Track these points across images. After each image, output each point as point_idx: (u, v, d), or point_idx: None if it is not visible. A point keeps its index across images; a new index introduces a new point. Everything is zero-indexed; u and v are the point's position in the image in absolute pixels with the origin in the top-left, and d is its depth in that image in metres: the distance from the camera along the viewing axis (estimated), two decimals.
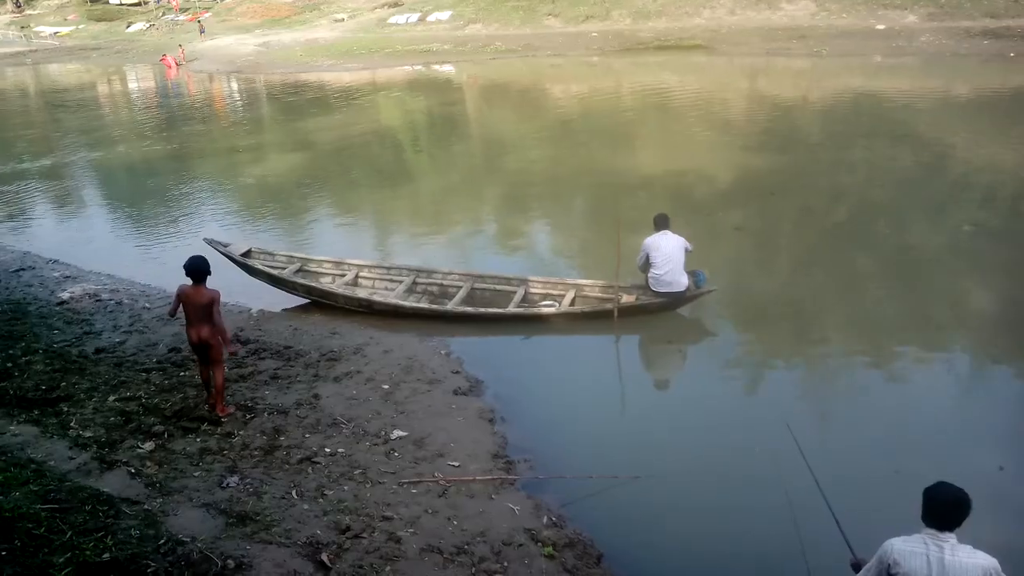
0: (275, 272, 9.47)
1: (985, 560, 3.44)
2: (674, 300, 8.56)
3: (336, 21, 39.47)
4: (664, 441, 6.47)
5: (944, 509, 3.48)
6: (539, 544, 5.05)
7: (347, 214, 13.39)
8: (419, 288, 9.57)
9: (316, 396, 6.96)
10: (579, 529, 5.29)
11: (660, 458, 6.15)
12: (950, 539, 3.47)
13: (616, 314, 8.34)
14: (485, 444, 6.29)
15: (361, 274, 9.80)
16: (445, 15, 36.66)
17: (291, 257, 9.98)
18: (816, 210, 12.01)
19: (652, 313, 8.59)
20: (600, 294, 8.93)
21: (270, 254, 9.98)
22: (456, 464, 5.97)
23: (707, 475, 5.91)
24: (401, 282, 9.52)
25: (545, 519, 5.34)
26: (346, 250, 10.62)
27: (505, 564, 4.81)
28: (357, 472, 5.79)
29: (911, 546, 3.52)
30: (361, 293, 9.42)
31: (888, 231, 10.89)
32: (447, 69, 29.19)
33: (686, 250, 8.34)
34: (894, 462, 5.87)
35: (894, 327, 8.24)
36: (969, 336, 8.11)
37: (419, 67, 29.67)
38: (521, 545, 5.02)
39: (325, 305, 9.22)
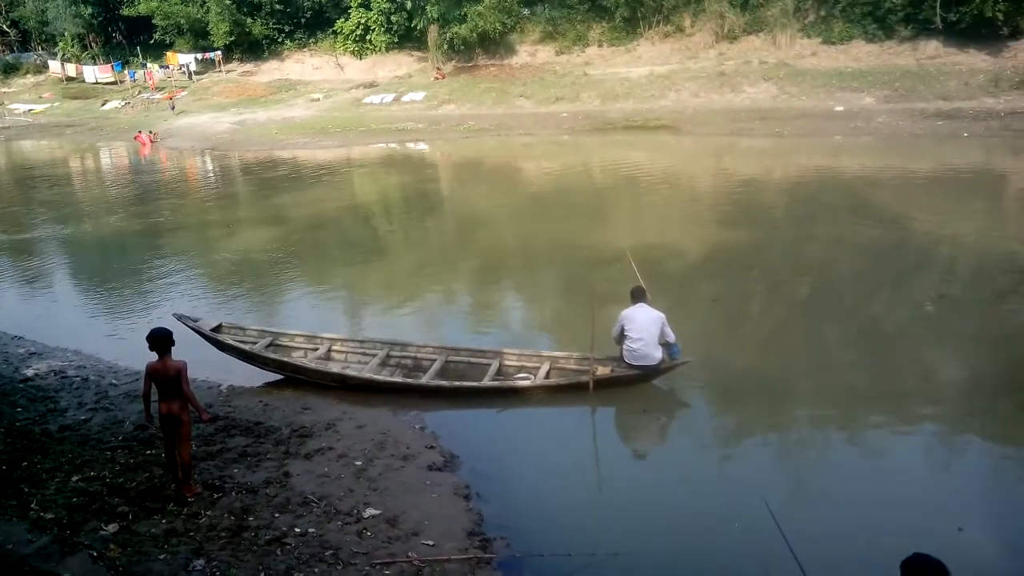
0: (246, 347, 9.36)
1: None
2: (649, 372, 8.58)
3: (312, 100, 40.22)
4: (642, 516, 6.38)
5: None
6: None
7: (321, 288, 13.36)
8: (393, 361, 9.49)
9: (286, 474, 6.79)
10: None
11: (639, 534, 6.07)
12: None
13: (592, 386, 8.32)
14: (461, 521, 6.16)
15: (334, 348, 9.71)
16: (419, 95, 37.58)
17: (263, 331, 9.88)
18: (786, 283, 12.23)
19: (627, 385, 8.59)
20: (575, 366, 8.93)
21: (241, 329, 9.88)
22: (431, 543, 5.82)
23: (686, 552, 5.85)
24: (375, 356, 9.44)
25: None
26: (319, 324, 10.54)
27: None
28: (328, 553, 5.61)
29: None
30: (334, 367, 9.32)
31: (856, 303, 11.11)
32: (421, 147, 29.74)
33: (662, 323, 8.41)
34: (869, 533, 5.85)
35: (864, 398, 8.33)
36: (935, 405, 8.22)
37: (393, 145, 30.18)
38: None
39: (297, 380, 9.09)
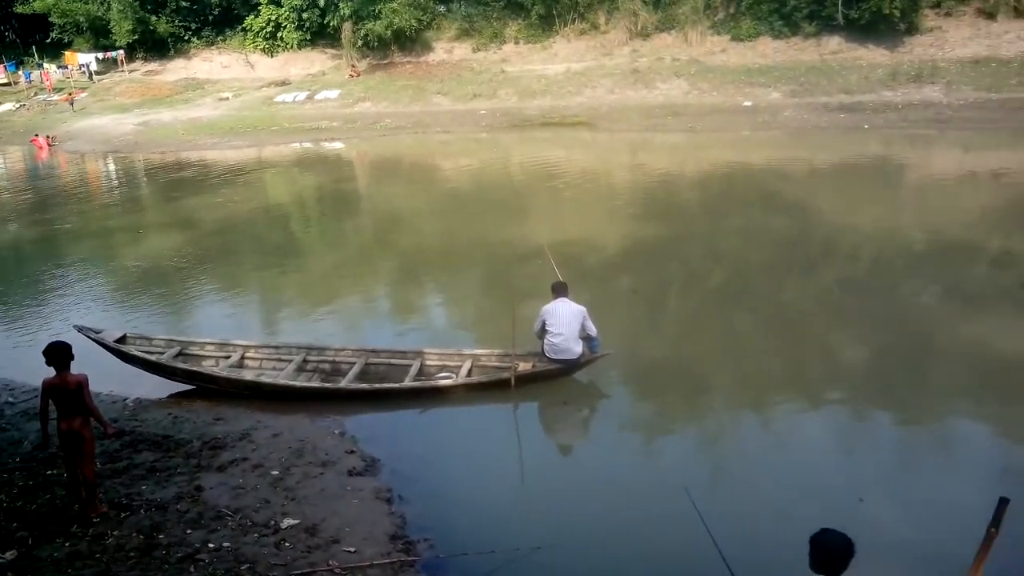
0: (152, 358, 8.95)
1: None
2: (570, 366, 8.63)
3: (221, 100, 38.88)
4: (566, 509, 6.40)
5: (830, 556, 3.59)
6: None
7: (233, 295, 12.92)
8: (310, 367, 9.25)
9: (198, 488, 6.53)
10: None
11: (563, 527, 6.08)
12: None
13: (514, 382, 8.31)
14: (383, 526, 6.05)
15: (247, 355, 9.40)
16: (334, 93, 36.87)
17: (171, 341, 9.48)
18: (701, 274, 12.54)
19: (549, 379, 8.62)
20: (497, 363, 8.90)
21: (147, 339, 9.45)
22: (352, 550, 5.69)
23: (610, 541, 5.88)
24: (290, 361, 9.18)
25: None
26: (232, 332, 10.19)
27: None
28: (244, 567, 5.42)
29: None
30: (247, 375, 9.02)
31: (767, 292, 11.47)
32: (336, 146, 29.18)
33: (583, 317, 8.46)
34: (783, 512, 6.03)
35: (776, 383, 8.61)
36: (840, 386, 8.56)
37: (308, 144, 29.52)
38: None
39: (208, 390, 8.75)
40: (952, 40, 30.98)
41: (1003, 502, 3.51)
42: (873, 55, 31.53)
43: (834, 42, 32.50)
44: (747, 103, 29.68)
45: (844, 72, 30.60)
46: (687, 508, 5.27)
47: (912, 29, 31.59)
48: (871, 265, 12.75)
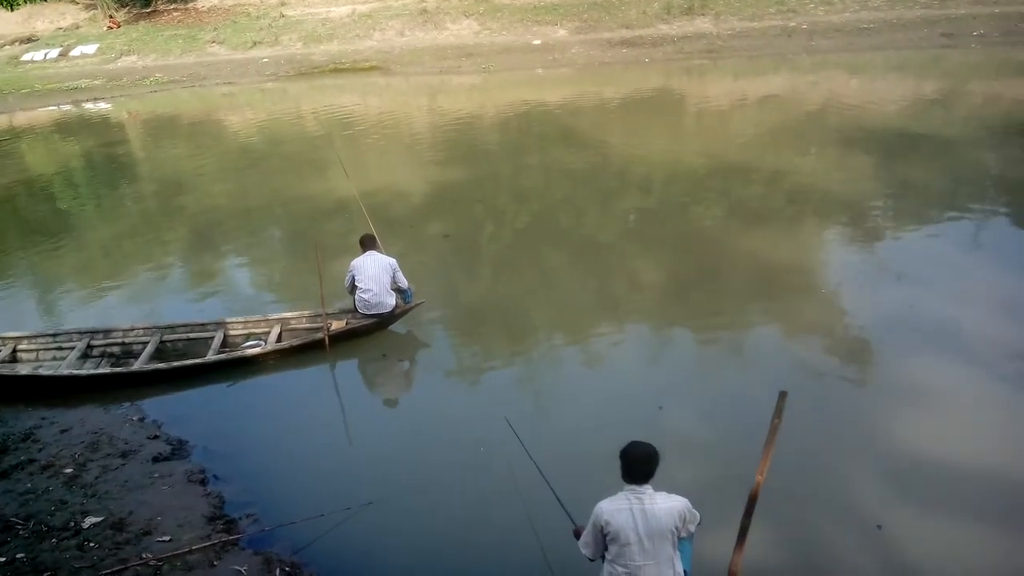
0: None
1: (678, 501, 3.86)
2: (384, 319, 8.49)
3: None
4: (395, 462, 6.35)
5: (637, 464, 3.83)
6: None
7: None
8: (96, 352, 8.41)
9: None
10: (315, 572, 4.98)
11: (393, 481, 6.04)
12: (647, 490, 3.82)
13: (328, 342, 8.05)
14: (199, 508, 5.69)
15: (20, 347, 8.38)
16: (91, 48, 33.05)
17: None
18: (508, 213, 12.73)
19: (365, 335, 8.44)
20: (308, 324, 8.57)
21: None
22: (167, 539, 5.31)
23: (440, 485, 5.92)
24: (72, 349, 8.29)
25: (277, 571, 4.95)
26: None
27: None
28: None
29: (616, 504, 3.82)
30: (23, 369, 8.06)
31: (570, 225, 11.88)
32: (102, 106, 26.29)
33: (393, 269, 8.29)
34: (595, 429, 6.35)
35: (585, 311, 8.99)
36: (641, 306, 9.15)
37: (67, 106, 26.38)
38: None
39: None
40: None
41: (782, 395, 3.88)
42: None
43: None
44: (536, 41, 30.18)
45: (623, 7, 31.83)
46: (510, 437, 5.47)
47: None
48: (661, 192, 13.57)
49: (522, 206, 13.07)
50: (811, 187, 12.94)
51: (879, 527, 5.15)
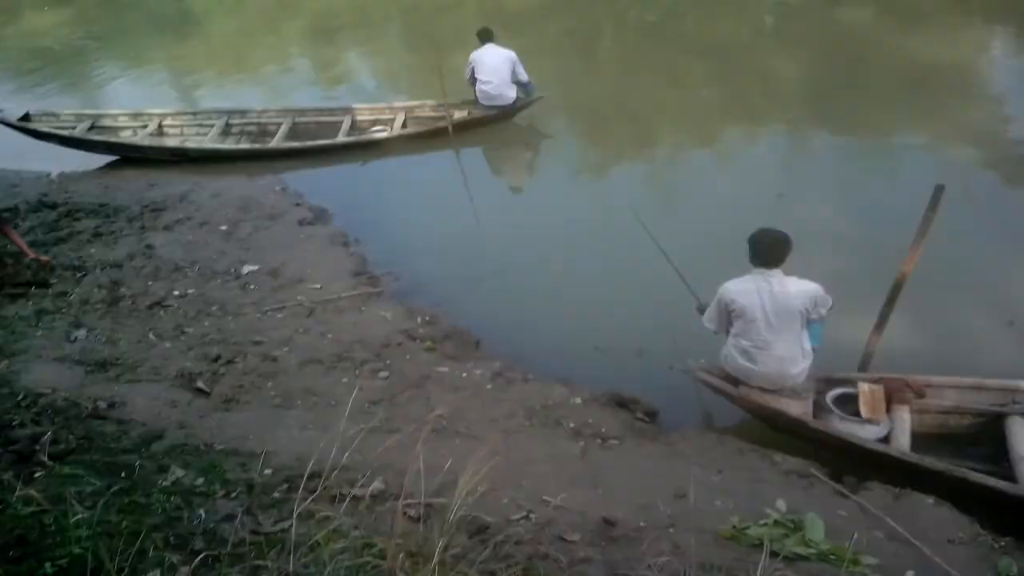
0: (65, 132, 8.42)
1: (809, 285, 3.87)
2: (506, 111, 8.54)
3: None
4: (520, 238, 6.54)
5: (766, 248, 3.85)
6: (417, 341, 5.13)
7: (131, 67, 11.96)
8: (235, 130, 8.91)
9: (149, 246, 6.46)
10: (453, 323, 5.40)
11: (518, 254, 6.26)
12: (776, 274, 3.86)
13: (451, 130, 8.23)
14: (344, 265, 6.18)
15: (165, 123, 8.93)
16: None
17: (80, 115, 8.87)
18: (632, 11, 12.16)
19: (487, 125, 8.56)
20: (431, 113, 8.74)
21: (53, 115, 8.79)
22: (318, 286, 5.84)
23: (565, 261, 6.09)
24: (212, 126, 8.79)
25: (419, 319, 5.41)
26: (142, 103, 9.56)
27: (388, 362, 4.85)
28: (214, 308, 5.53)
29: (744, 285, 3.91)
30: (170, 142, 8.64)
31: (698, 24, 11.29)
32: None
33: (513, 62, 8.23)
34: (728, 224, 6.28)
35: (715, 111, 8.73)
36: (777, 109, 8.77)
37: None
38: (400, 344, 5.07)
39: (133, 159, 8.39)
40: None
41: (939, 188, 3.80)
42: None
43: None
44: None
45: None
46: (635, 226, 5.51)
47: None
48: None
49: (647, 4, 12.44)
50: None
51: (1011, 323, 5.08)
